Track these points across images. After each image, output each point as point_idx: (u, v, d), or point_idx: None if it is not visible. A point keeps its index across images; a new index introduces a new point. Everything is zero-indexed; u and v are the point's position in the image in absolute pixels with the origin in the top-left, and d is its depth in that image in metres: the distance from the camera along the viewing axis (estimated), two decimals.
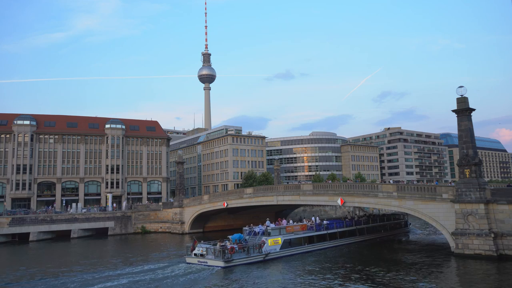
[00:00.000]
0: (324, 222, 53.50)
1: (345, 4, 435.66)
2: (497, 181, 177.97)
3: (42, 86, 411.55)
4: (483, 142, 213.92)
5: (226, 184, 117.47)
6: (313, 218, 53.71)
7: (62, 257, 53.08)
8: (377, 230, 60.99)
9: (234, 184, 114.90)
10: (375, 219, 63.24)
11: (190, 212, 76.56)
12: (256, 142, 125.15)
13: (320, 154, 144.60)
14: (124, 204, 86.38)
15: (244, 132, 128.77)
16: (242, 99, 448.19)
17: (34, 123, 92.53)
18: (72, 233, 73.08)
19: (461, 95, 42.29)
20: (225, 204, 68.66)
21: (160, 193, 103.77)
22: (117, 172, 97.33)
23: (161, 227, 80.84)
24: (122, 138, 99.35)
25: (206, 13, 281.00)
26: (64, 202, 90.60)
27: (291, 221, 53.34)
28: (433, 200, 43.25)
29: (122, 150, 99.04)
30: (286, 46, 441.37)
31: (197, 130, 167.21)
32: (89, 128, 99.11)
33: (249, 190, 67.71)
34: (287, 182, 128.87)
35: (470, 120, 42.39)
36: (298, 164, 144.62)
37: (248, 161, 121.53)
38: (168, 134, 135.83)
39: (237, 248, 40.49)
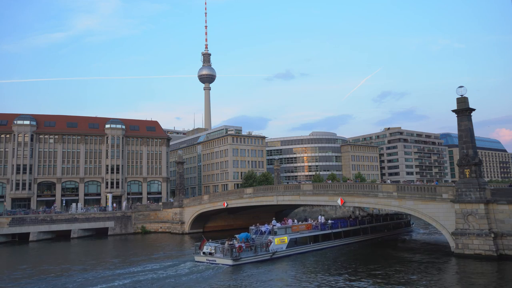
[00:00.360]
0: (329, 221, 53.83)
1: (345, 4, 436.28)
2: (497, 181, 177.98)
3: (42, 86, 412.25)
4: (483, 142, 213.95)
5: (226, 184, 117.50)
6: (319, 218, 54.04)
7: (62, 257, 53.03)
8: (380, 230, 61.29)
9: (234, 184, 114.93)
10: (378, 219, 63.60)
11: (190, 212, 76.57)
12: (256, 142, 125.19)
13: (320, 154, 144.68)
14: (124, 204, 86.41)
15: (244, 132, 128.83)
16: (242, 99, 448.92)
17: (34, 123, 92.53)
18: (72, 233, 73.08)
19: (461, 95, 42.28)
20: (225, 204, 68.69)
21: (160, 193, 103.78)
22: (117, 172, 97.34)
23: (161, 227, 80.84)
24: (122, 138, 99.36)
25: (206, 13, 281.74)
26: (64, 202, 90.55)
27: (295, 221, 53.69)
28: (433, 200, 43.26)
29: (122, 150, 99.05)
30: (286, 46, 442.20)
31: (197, 130, 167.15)
32: (89, 128, 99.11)
33: (249, 190, 67.72)
34: (287, 182, 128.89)
35: (470, 120, 42.38)
36: (298, 164, 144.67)
37: (248, 161, 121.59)
38: (168, 134, 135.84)
39: (244, 247, 40.99)
